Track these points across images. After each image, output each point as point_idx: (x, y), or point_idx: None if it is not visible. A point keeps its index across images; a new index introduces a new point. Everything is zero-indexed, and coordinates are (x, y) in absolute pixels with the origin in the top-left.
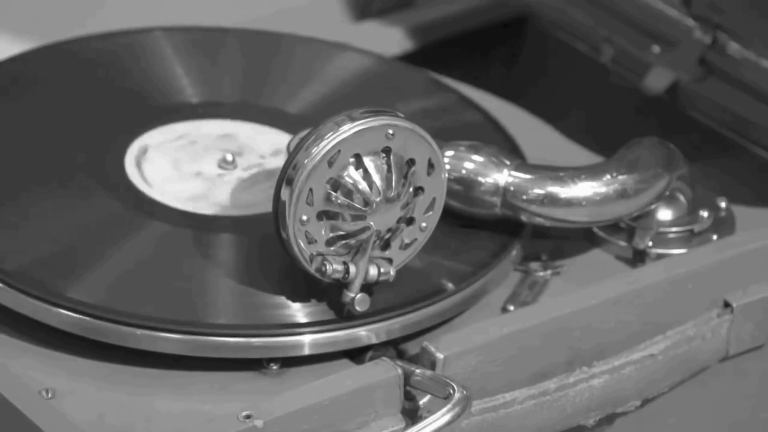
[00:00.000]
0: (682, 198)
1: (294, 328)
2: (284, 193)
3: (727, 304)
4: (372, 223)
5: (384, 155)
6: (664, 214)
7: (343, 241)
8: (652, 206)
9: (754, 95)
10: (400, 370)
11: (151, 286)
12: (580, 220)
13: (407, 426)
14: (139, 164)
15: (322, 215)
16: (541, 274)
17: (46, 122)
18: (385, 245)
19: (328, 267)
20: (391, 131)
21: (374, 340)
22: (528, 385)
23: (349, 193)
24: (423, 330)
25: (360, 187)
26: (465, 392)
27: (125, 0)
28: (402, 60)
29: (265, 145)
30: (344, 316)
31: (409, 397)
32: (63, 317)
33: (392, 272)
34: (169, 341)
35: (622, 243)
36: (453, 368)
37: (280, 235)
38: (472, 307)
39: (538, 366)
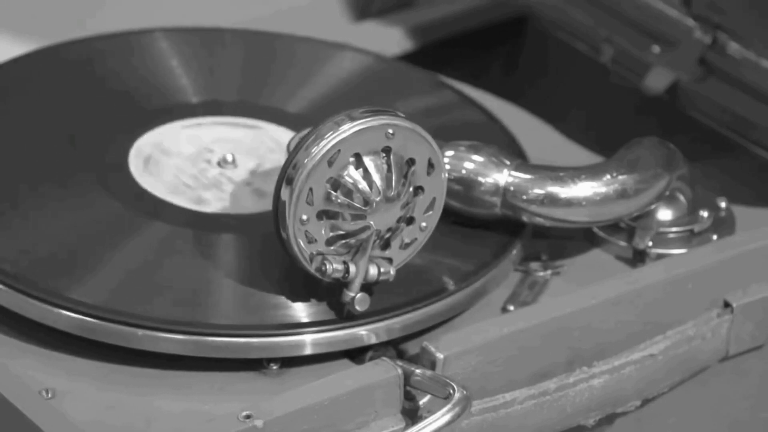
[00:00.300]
0: (682, 198)
1: (294, 328)
2: (284, 193)
3: (727, 304)
4: (372, 223)
5: (384, 155)
6: (664, 214)
7: (343, 241)
8: (652, 206)
9: (754, 95)
10: (400, 370)
11: (151, 286)
12: (580, 220)
13: (407, 426)
14: (138, 164)
15: (322, 215)
16: (541, 274)
17: (47, 123)
18: (385, 245)
19: (328, 266)
20: (391, 131)
21: (374, 340)
22: (528, 385)
23: (349, 193)
24: (423, 330)
25: (360, 186)
26: (465, 392)
27: (125, 0)
28: (402, 60)
29: (265, 144)
30: (344, 316)
31: (409, 397)
32: (63, 317)
33: (392, 272)
34: (170, 341)
35: (622, 243)
36: (453, 368)
37: (280, 235)
38: (472, 307)
39: (538, 366)
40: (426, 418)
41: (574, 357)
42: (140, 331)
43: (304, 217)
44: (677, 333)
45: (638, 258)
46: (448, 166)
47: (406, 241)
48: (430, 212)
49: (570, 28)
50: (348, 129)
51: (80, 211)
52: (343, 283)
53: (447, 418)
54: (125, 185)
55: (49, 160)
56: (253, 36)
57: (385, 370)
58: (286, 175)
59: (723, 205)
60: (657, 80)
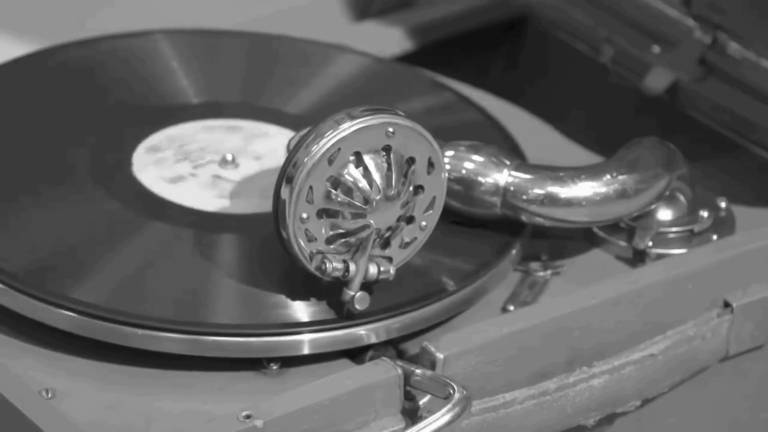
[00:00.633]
0: (682, 198)
1: (294, 327)
2: (284, 192)
3: (727, 304)
4: (372, 222)
5: (384, 153)
6: (664, 214)
7: (343, 240)
8: (652, 206)
9: (754, 95)
10: (400, 370)
11: (152, 286)
12: (580, 220)
13: (407, 426)
14: (138, 164)
15: (322, 213)
16: (541, 274)
17: (47, 124)
18: (385, 244)
19: (327, 265)
20: (391, 129)
21: (374, 340)
22: (528, 385)
23: (349, 191)
24: (423, 330)
25: (360, 185)
26: (465, 392)
27: (125, 1)
28: (402, 60)
29: (265, 144)
30: (344, 315)
31: (409, 397)
32: (63, 317)
33: (392, 271)
34: (170, 341)
35: (622, 243)
36: (453, 368)
37: (280, 234)
38: (472, 307)
39: (538, 366)
40: (426, 418)
41: (574, 357)
42: (140, 331)
43: (304, 215)
44: (677, 333)
45: (638, 258)
46: (448, 166)
47: (406, 240)
48: (430, 211)
49: (570, 28)
50: (348, 127)
51: (80, 211)
52: (342, 282)
53: (447, 418)
54: (125, 185)
55: (49, 160)
56: (253, 37)
57: (385, 370)
58: (286, 174)
59: (723, 205)
60: (657, 80)
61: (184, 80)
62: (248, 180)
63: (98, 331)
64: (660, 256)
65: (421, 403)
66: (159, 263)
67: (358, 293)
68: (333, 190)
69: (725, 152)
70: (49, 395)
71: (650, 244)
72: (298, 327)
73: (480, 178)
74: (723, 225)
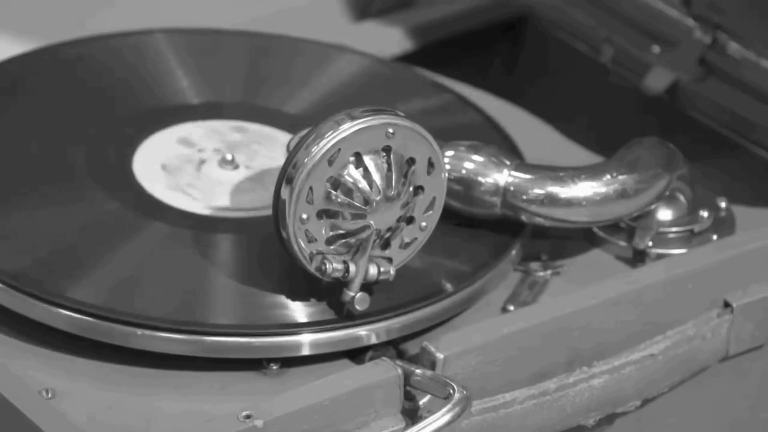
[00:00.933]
0: (682, 198)
1: (294, 328)
2: (284, 192)
3: (727, 304)
4: (372, 222)
5: (384, 154)
6: (664, 214)
7: (343, 240)
8: (652, 206)
9: (754, 95)
10: (400, 370)
11: (152, 286)
12: (580, 220)
13: (407, 426)
14: (138, 164)
15: (322, 214)
16: (541, 274)
17: (47, 123)
18: (385, 244)
19: (327, 266)
20: (391, 130)
21: (374, 340)
22: (528, 385)
23: (349, 192)
24: (423, 330)
25: (360, 185)
26: (465, 392)
27: (125, 1)
28: (402, 60)
29: (265, 145)
30: (344, 315)
31: (409, 397)
32: (63, 317)
33: (392, 271)
34: (170, 341)
35: (622, 243)
36: (453, 368)
37: (280, 234)
38: (472, 307)
39: (538, 366)
40: (426, 418)
41: (574, 357)
42: (140, 331)
43: (304, 216)
44: (677, 333)
45: (638, 258)
46: (448, 166)
47: (406, 240)
48: (430, 212)
49: (570, 28)
50: (348, 128)
51: (80, 211)
52: (343, 283)
53: (447, 418)
54: (125, 185)
55: (49, 160)
56: (253, 37)
57: (385, 370)
58: (286, 174)
59: (723, 205)
60: (657, 80)
61: (184, 80)
62: (248, 180)
63: (98, 331)
64: (660, 256)
65: (421, 403)
66: (159, 263)
67: (358, 294)
68: (333, 191)
69: (725, 152)
70: (49, 395)
71: (650, 244)
72: (298, 327)
73: (480, 178)
74: (723, 225)
